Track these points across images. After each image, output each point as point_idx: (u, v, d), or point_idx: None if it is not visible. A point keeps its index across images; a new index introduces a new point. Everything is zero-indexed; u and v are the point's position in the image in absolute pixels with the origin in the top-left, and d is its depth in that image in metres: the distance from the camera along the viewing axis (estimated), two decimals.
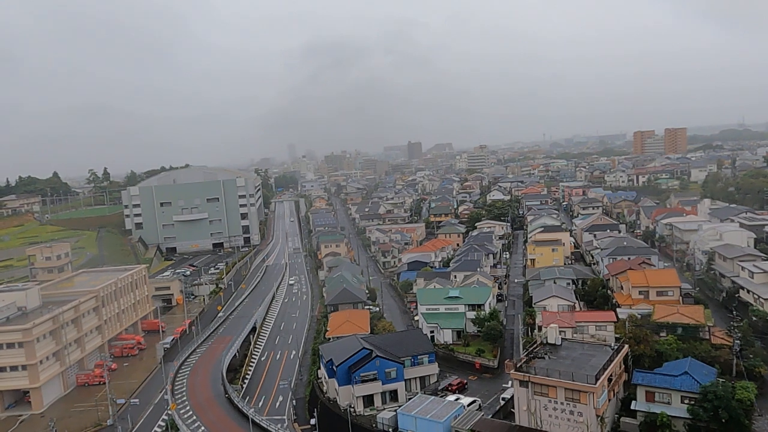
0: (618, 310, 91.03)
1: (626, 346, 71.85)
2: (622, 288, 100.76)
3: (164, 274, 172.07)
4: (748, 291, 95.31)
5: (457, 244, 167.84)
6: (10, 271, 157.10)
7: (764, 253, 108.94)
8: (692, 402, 59.82)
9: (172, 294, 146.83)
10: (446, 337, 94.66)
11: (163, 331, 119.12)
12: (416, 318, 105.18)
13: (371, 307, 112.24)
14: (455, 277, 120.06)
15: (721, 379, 61.93)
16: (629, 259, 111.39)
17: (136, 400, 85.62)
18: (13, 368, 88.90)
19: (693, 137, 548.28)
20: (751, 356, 71.96)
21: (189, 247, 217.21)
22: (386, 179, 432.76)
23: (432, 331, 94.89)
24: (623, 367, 70.27)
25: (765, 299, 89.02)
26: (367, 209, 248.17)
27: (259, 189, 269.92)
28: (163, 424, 78.84)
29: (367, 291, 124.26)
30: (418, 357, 77.99)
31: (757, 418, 61.33)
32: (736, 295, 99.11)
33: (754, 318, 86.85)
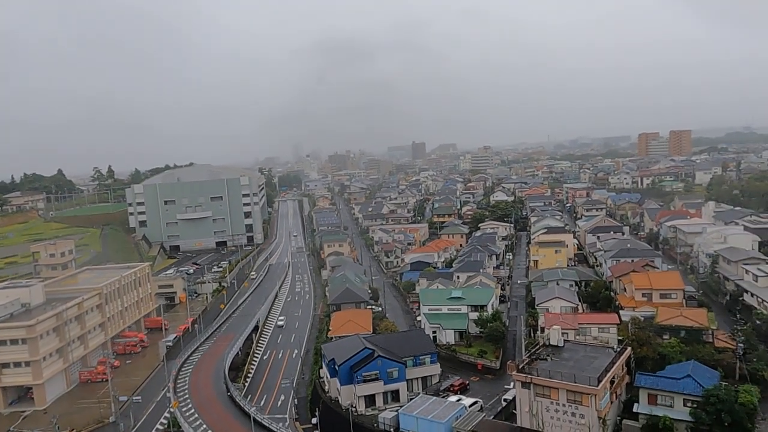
0: (621, 312, 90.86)
1: (629, 348, 71.68)
2: (625, 290, 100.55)
3: (167, 272, 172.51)
4: (752, 294, 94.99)
5: (460, 245, 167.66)
6: (14, 267, 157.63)
7: None
8: (695, 405, 59.69)
9: (175, 292, 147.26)
10: (448, 337, 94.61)
11: (165, 329, 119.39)
12: (419, 318, 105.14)
13: (374, 306, 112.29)
14: (458, 277, 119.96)
15: (724, 383, 61.82)
16: (633, 261, 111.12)
17: (139, 397, 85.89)
18: (17, 364, 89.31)
19: (698, 139, 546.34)
20: (754, 360, 71.75)
21: (192, 245, 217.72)
22: (390, 179, 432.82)
23: (434, 332, 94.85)
24: (626, 369, 70.10)
25: None
26: (370, 209, 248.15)
27: (262, 188, 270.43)
28: (165, 422, 78.97)
29: (369, 291, 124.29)
30: (420, 357, 77.97)
31: (760, 422, 61.15)
32: (740, 299, 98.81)
33: (758, 321, 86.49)
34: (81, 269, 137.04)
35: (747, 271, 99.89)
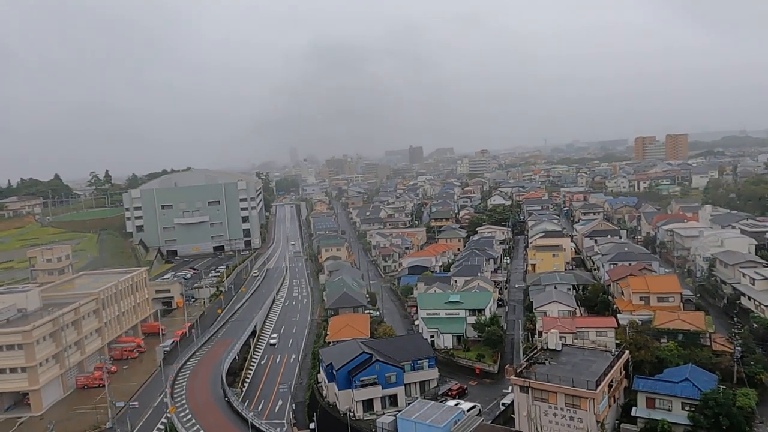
0: (619, 315, 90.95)
1: (627, 352, 71.69)
2: (622, 294, 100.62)
3: (165, 277, 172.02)
4: (749, 298, 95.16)
5: (458, 249, 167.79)
6: (10, 272, 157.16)
7: (765, 260, 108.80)
8: (693, 409, 59.66)
9: (173, 297, 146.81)
10: (446, 341, 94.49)
11: (163, 334, 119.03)
12: (416, 322, 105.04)
13: (371, 311, 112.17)
14: (456, 281, 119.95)
15: (721, 386, 61.82)
16: (630, 264, 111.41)
17: (136, 403, 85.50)
18: (13, 370, 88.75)
19: (694, 143, 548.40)
20: (752, 363, 71.77)
21: (190, 250, 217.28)
22: (387, 183, 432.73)
23: (432, 336, 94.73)
24: (624, 373, 70.09)
25: (766, 306, 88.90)
26: (368, 213, 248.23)
27: (260, 192, 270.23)
28: (162, 427, 78.62)
29: (367, 295, 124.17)
30: (418, 362, 77.88)
31: (758, 426, 61.10)
32: (737, 302, 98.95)
33: (755, 325, 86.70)
34: (78, 274, 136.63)
35: (744, 275, 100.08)
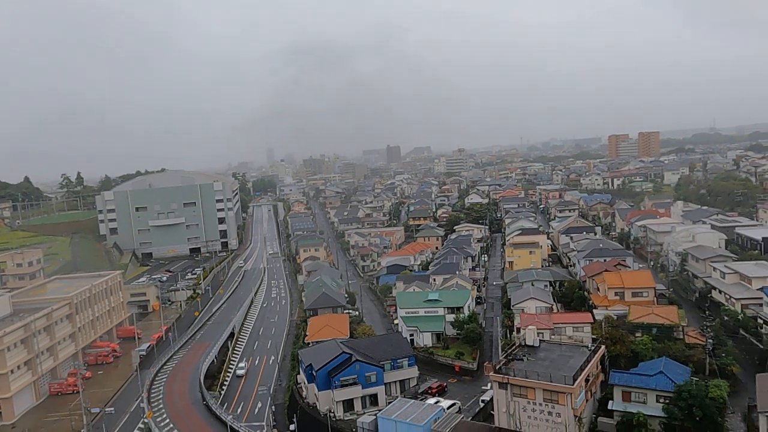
0: (594, 311, 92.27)
1: (603, 346, 72.83)
2: (598, 289, 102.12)
3: (140, 280, 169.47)
4: (720, 291, 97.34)
5: (436, 248, 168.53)
6: None
7: (735, 254, 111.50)
8: (667, 401, 60.83)
9: (148, 300, 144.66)
10: (426, 340, 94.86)
11: (138, 338, 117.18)
12: (396, 321, 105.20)
13: (351, 311, 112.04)
14: (434, 280, 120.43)
15: (694, 378, 63.19)
16: (605, 260, 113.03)
17: (112, 408, 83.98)
18: None
19: (666, 141, 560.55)
20: (723, 355, 73.60)
21: (165, 252, 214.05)
22: (365, 183, 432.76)
23: (411, 335, 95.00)
24: (600, 367, 71.17)
25: (736, 299, 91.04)
26: (346, 213, 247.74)
27: (236, 193, 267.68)
28: None
29: (346, 295, 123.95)
30: (398, 360, 78.07)
31: (730, 416, 62.75)
32: (709, 296, 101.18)
33: (725, 317, 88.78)
34: (50, 279, 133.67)
35: (714, 269, 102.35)
